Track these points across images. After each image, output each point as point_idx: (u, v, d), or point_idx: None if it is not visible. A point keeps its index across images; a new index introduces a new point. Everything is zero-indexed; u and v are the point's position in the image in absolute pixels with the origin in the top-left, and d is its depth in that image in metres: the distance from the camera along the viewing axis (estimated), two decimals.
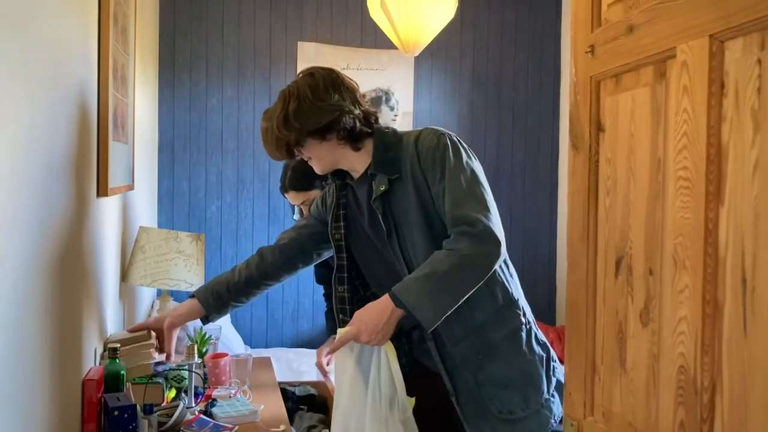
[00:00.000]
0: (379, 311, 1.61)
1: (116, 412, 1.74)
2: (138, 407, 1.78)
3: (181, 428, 1.89)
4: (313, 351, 3.93)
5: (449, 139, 1.69)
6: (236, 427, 1.93)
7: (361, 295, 1.84)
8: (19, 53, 1.27)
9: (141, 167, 3.11)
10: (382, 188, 1.70)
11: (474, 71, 4.42)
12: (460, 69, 4.40)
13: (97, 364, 2.00)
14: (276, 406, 2.14)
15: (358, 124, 1.71)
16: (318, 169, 1.81)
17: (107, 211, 2.25)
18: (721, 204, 0.84)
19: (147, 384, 1.99)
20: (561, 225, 4.46)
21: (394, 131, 1.78)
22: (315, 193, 2.42)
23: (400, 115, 4.32)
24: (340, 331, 1.66)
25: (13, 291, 1.23)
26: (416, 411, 1.72)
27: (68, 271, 1.66)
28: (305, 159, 1.80)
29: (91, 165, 1.96)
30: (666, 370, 0.95)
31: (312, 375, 3.49)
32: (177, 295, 3.16)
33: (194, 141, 4.11)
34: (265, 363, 2.65)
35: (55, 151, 1.54)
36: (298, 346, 4.16)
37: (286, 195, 2.48)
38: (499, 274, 1.70)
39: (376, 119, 1.78)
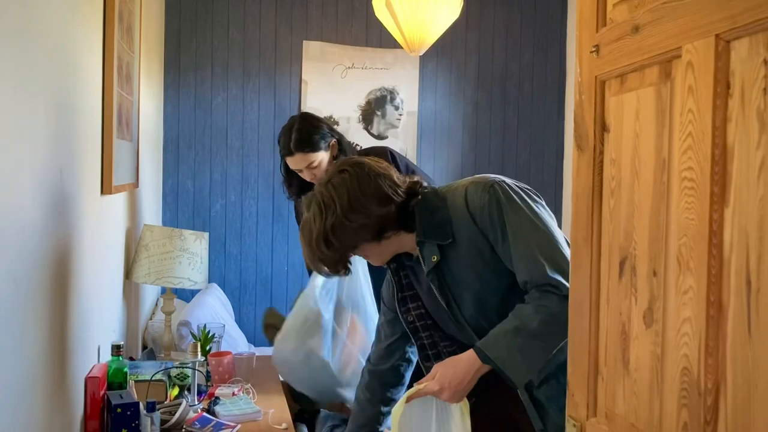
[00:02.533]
0: (464, 368, 1.51)
1: (119, 410, 1.74)
2: (141, 405, 1.78)
3: (184, 426, 1.89)
4: None
5: (499, 188, 1.55)
6: (239, 426, 1.93)
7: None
8: (24, 50, 1.27)
9: (146, 165, 3.12)
10: (434, 259, 1.57)
11: (479, 71, 4.41)
12: (465, 69, 4.39)
13: (100, 361, 2.00)
14: (279, 405, 2.13)
15: (404, 210, 1.58)
16: (378, 262, 1.68)
17: (111, 209, 2.25)
18: (726, 205, 0.83)
19: (150, 382, 1.99)
20: (565, 226, 4.45)
21: (434, 191, 1.64)
22: (322, 155, 2.38)
23: (405, 115, 4.32)
24: (418, 386, 1.56)
25: (16, 287, 1.23)
26: None
27: (72, 268, 1.66)
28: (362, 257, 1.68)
29: (95, 162, 1.96)
30: (669, 371, 0.94)
31: None
32: (181, 293, 3.17)
33: (199, 139, 4.12)
34: (269, 362, 2.64)
35: (59, 148, 1.54)
36: None
37: (289, 159, 2.40)
38: None
39: (420, 185, 1.63)
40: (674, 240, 0.93)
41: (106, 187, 2.05)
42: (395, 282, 1.72)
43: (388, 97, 4.30)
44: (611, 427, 1.11)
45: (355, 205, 1.53)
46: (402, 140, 4.33)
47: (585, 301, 1.18)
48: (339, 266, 1.60)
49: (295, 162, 2.40)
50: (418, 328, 1.70)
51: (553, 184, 4.49)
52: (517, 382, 1.51)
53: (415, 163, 4.32)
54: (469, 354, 1.52)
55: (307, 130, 2.38)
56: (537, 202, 1.58)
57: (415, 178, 1.65)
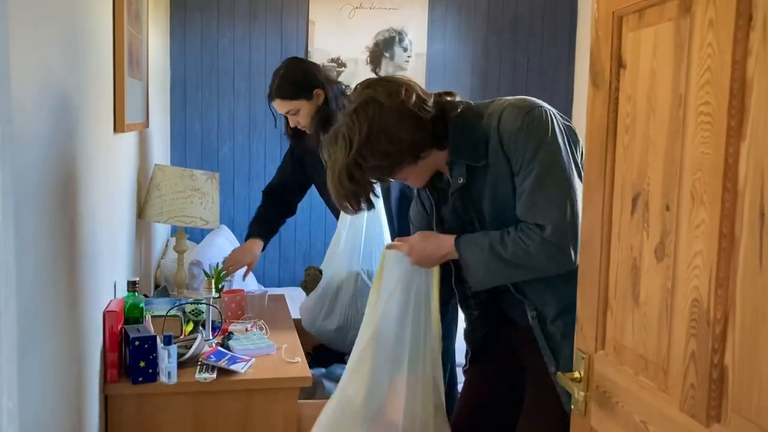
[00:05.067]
0: (435, 245, 1.64)
1: (137, 343, 1.79)
2: (158, 338, 1.83)
3: (200, 359, 1.94)
4: None
5: (536, 117, 1.50)
6: (253, 359, 1.98)
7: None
8: None
9: (154, 106, 3.11)
10: (461, 180, 1.56)
11: (489, 12, 4.34)
12: (475, 10, 4.32)
13: (116, 297, 2.05)
14: (292, 341, 2.19)
15: (436, 126, 1.55)
16: (418, 184, 1.67)
17: (123, 148, 2.26)
18: (743, 139, 0.84)
19: (166, 317, 2.04)
20: None
21: (469, 106, 1.59)
22: (300, 103, 2.38)
23: (414, 57, 4.27)
24: (396, 241, 1.74)
25: (39, 221, 1.26)
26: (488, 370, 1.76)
27: (88, 205, 1.68)
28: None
29: (107, 100, 1.96)
30: (679, 303, 0.97)
31: None
32: (192, 232, 3.21)
33: (206, 81, 4.09)
34: (280, 300, 2.70)
35: (72, 85, 1.55)
36: None
37: (273, 103, 2.45)
38: None
39: (448, 103, 1.59)
40: (688, 175, 0.94)
41: (119, 125, 2.05)
42: (422, 205, 1.76)
43: (397, 39, 4.25)
44: (619, 359, 1.14)
45: (379, 134, 1.49)
46: None
47: (596, 237, 1.20)
48: (362, 202, 1.58)
49: (276, 107, 2.44)
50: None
51: None
52: (472, 286, 1.62)
53: None
54: (449, 238, 1.61)
55: (288, 78, 2.38)
56: (570, 144, 1.53)
57: (446, 96, 1.60)
